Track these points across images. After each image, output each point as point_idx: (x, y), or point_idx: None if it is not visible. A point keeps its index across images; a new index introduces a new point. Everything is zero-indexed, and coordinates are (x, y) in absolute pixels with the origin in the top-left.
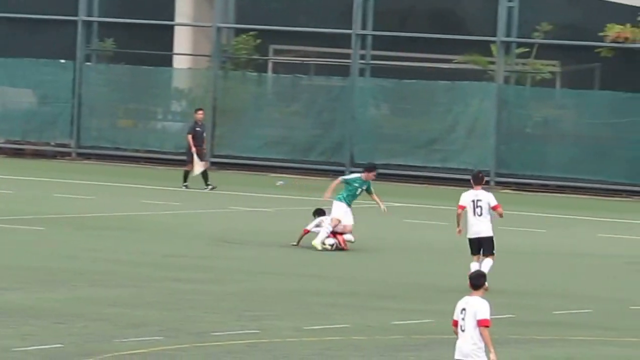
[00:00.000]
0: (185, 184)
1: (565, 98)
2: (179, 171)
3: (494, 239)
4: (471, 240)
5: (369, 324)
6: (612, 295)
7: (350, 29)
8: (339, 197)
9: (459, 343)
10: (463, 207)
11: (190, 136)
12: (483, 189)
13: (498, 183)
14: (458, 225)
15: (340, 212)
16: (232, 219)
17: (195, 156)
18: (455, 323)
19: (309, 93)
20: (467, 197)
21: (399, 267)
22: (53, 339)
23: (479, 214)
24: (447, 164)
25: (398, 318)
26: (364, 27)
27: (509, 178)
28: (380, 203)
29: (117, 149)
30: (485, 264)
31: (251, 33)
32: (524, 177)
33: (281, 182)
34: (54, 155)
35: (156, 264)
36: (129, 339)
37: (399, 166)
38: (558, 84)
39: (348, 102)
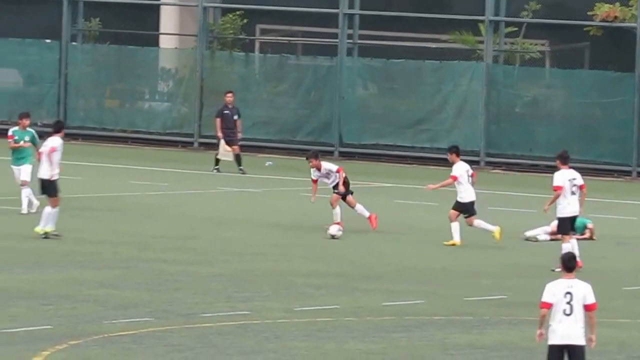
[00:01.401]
0: (215, 167)
1: (554, 77)
2: (166, 152)
3: None
4: (566, 219)
5: (359, 305)
6: (604, 275)
7: (338, 8)
8: None
9: (562, 327)
10: (561, 188)
11: (218, 120)
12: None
13: (488, 163)
14: (551, 203)
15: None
16: (220, 200)
17: (221, 141)
18: (547, 305)
19: (297, 73)
20: (563, 177)
21: (387, 248)
22: (41, 320)
23: (574, 192)
24: (435, 144)
25: (388, 299)
26: (351, 7)
27: (499, 158)
28: None
29: (104, 129)
30: (576, 246)
31: (238, 12)
32: (513, 157)
33: (270, 163)
34: (40, 136)
35: (143, 245)
36: (119, 320)
37: (387, 146)
38: (547, 63)
39: (335, 82)
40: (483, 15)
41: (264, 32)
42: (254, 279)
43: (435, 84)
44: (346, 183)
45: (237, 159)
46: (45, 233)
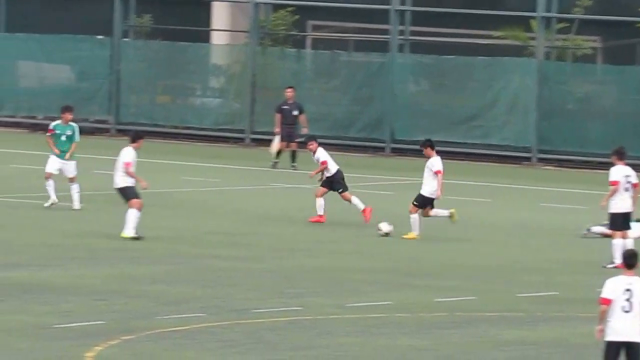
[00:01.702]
0: (275, 160)
1: (606, 74)
2: (218, 148)
3: None
4: (618, 215)
5: (411, 301)
6: None
7: (389, 4)
8: None
9: (620, 324)
10: (617, 183)
11: (278, 115)
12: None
13: (540, 160)
14: (607, 199)
15: None
16: (271, 196)
17: (276, 137)
18: (606, 301)
19: (348, 69)
20: (619, 173)
21: (437, 245)
22: (94, 315)
23: (627, 189)
24: (487, 140)
25: (440, 295)
26: (402, 3)
27: (551, 155)
28: None
29: (156, 125)
30: (631, 245)
31: (289, 9)
32: (565, 153)
33: None
34: (92, 132)
35: (195, 241)
36: (171, 316)
37: (439, 142)
38: (599, 59)
39: (387, 78)
40: (535, 11)
41: (315, 28)
42: (306, 275)
43: (486, 81)
44: (339, 182)
45: (292, 155)
46: (136, 235)
